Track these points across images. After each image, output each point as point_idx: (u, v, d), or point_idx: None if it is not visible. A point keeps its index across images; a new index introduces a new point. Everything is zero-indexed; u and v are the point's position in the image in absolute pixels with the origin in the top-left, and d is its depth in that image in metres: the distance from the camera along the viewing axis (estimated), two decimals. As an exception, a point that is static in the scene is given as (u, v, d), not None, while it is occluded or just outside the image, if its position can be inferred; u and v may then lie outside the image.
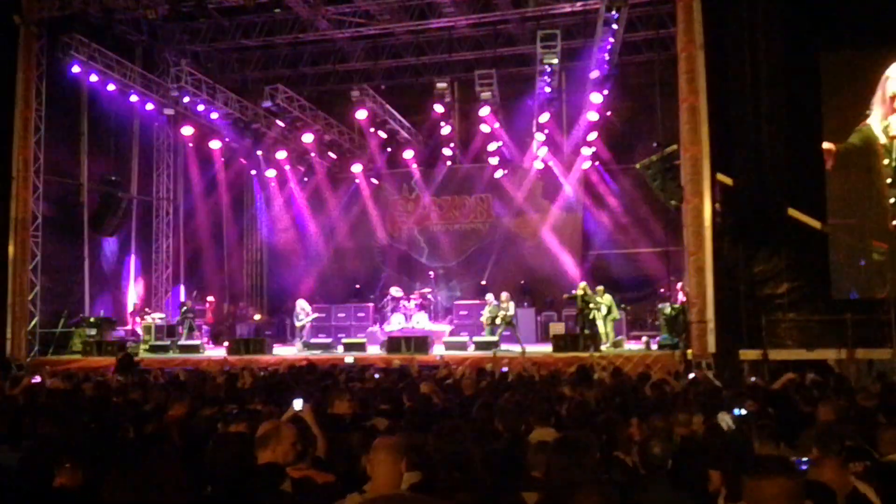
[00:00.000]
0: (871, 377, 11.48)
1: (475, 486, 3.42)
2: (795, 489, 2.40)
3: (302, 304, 18.04)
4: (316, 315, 18.24)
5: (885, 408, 6.84)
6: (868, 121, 13.76)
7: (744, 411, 6.30)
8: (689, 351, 13.38)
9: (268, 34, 19.30)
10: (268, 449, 3.66)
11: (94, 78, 17.47)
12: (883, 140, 13.73)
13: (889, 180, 13.75)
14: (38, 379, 9.69)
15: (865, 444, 4.84)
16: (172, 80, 17.82)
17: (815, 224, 13.64)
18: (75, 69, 17.06)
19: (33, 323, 16.86)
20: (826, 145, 13.78)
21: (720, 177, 13.65)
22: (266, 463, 3.60)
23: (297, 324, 17.94)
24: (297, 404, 4.76)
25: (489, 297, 17.12)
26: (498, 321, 16.35)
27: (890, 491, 3.91)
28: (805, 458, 4.13)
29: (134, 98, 18.62)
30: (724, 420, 6.11)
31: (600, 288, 16.50)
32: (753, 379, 11.10)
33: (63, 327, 17.33)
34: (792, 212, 13.61)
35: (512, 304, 16.69)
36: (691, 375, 10.65)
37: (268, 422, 4.13)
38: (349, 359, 12.97)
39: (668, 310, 15.78)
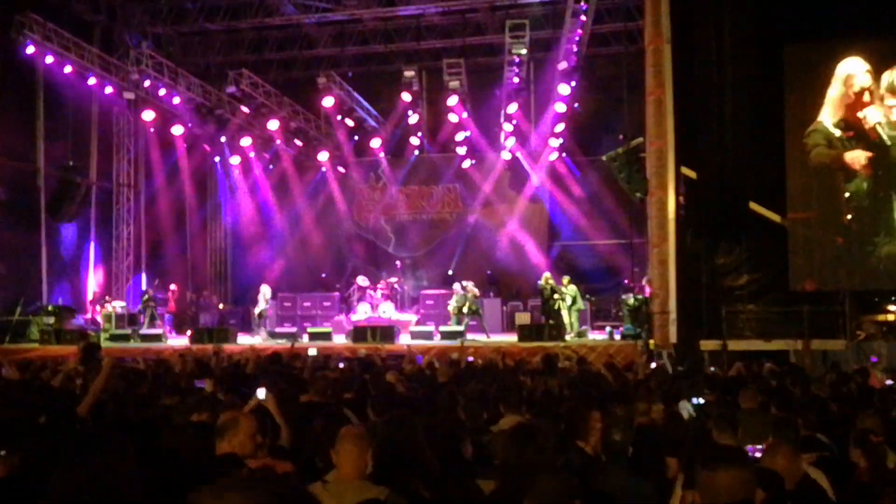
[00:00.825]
0: (825, 367, 11.75)
1: (427, 474, 3.42)
2: (747, 479, 2.43)
3: (264, 291, 17.81)
4: (268, 304, 17.91)
5: (838, 397, 7.02)
6: (820, 118, 14.00)
7: (702, 400, 6.43)
8: (651, 341, 13.56)
9: (232, 17, 18.97)
10: (224, 440, 3.61)
11: (49, 59, 16.85)
12: (838, 134, 13.99)
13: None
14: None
15: (818, 433, 4.95)
16: (133, 63, 17.39)
17: (775, 217, 13.90)
18: (30, 50, 16.41)
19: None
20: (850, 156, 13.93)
21: (684, 170, 13.81)
22: (224, 453, 3.54)
23: (256, 310, 17.72)
24: (261, 393, 4.70)
25: (456, 286, 17.14)
26: (465, 310, 16.39)
27: (843, 481, 4.00)
28: (759, 446, 4.21)
29: (92, 81, 18.05)
30: (685, 408, 6.22)
31: (566, 278, 16.66)
32: (713, 369, 11.29)
33: (20, 315, 16.92)
34: (753, 205, 13.85)
35: (476, 290, 16.79)
36: (653, 365, 10.79)
37: (227, 412, 4.06)
38: (312, 350, 12.82)
39: (631, 300, 15.97)
